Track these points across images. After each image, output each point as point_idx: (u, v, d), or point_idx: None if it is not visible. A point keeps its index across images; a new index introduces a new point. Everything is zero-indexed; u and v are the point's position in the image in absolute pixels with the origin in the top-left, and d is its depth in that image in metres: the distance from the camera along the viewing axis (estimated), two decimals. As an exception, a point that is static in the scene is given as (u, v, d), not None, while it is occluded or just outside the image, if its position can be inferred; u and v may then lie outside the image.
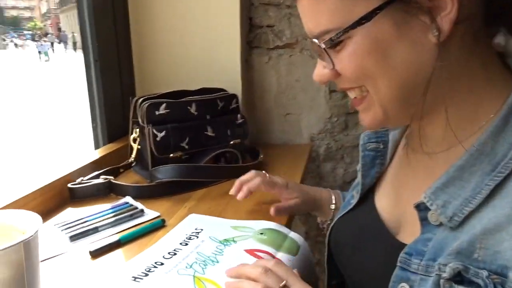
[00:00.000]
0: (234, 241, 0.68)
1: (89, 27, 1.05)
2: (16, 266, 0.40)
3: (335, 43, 0.46)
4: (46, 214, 0.81)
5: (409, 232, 0.50)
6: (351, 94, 0.52)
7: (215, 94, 1.05)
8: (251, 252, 0.64)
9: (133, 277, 0.57)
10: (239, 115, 1.07)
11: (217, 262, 0.62)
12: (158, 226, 0.76)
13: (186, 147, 0.97)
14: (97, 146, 1.12)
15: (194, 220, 0.77)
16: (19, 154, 5.46)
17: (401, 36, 0.44)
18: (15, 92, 10.64)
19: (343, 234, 0.62)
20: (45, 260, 0.65)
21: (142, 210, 0.81)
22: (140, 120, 0.97)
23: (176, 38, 1.21)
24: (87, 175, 0.92)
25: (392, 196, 0.57)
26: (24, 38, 45.60)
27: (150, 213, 0.81)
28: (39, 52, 23.18)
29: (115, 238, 0.70)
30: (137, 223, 0.77)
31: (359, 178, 0.63)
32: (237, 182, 0.79)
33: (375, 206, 0.58)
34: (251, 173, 0.80)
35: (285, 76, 1.31)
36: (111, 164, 1.00)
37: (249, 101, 1.30)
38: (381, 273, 0.48)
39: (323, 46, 0.47)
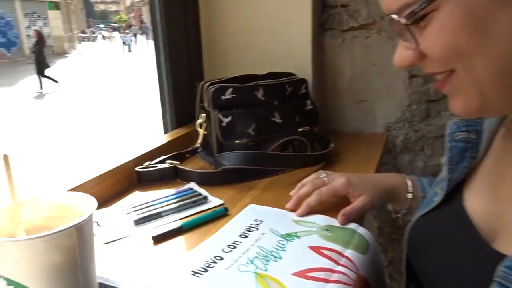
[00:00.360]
0: (297, 236, 0.63)
1: (159, 12, 1.05)
2: (68, 251, 0.39)
3: (419, 17, 0.39)
4: (115, 196, 0.82)
5: (508, 240, 0.41)
6: (440, 77, 0.44)
7: (283, 79, 1.00)
8: (316, 249, 0.59)
9: (192, 271, 0.55)
10: (308, 101, 1.01)
11: (280, 258, 0.57)
12: (221, 214, 0.73)
13: (252, 133, 0.93)
14: (166, 131, 1.13)
15: (254, 211, 0.73)
16: (104, 138, 5.88)
17: (502, 0, 0.35)
18: (99, 82, 11.48)
19: (425, 237, 0.54)
20: (109, 242, 0.65)
21: (205, 197, 0.79)
22: (206, 105, 0.95)
23: (245, 22, 1.17)
24: (154, 160, 0.92)
25: (486, 196, 0.48)
26: (111, 30, 49.01)
27: (214, 201, 0.78)
28: (123, 43, 24.82)
29: (178, 224, 0.69)
30: (200, 210, 0.75)
31: (444, 173, 0.55)
32: (295, 197, 0.73)
33: (463, 206, 0.50)
34: (308, 184, 0.73)
35: (360, 59, 1.22)
36: (178, 149, 0.99)
37: (319, 86, 1.23)
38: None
39: (404, 22, 0.40)
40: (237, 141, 0.92)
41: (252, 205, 0.76)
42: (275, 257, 0.58)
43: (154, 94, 1.16)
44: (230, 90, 0.92)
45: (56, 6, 23.04)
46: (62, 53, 22.30)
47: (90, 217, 0.41)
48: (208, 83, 0.95)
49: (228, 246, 0.61)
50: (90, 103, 8.59)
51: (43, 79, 10.45)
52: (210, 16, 1.19)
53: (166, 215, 0.74)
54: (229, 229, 0.67)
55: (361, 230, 0.65)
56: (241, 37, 1.18)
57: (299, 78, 1.03)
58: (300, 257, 0.57)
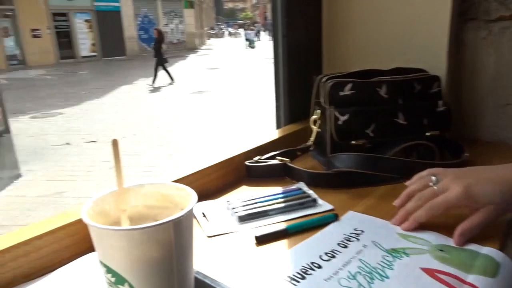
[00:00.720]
0: (405, 253, 0.55)
1: (280, 2, 1.01)
2: (164, 246, 0.37)
3: None
4: (223, 188, 0.81)
5: None
6: None
7: (411, 75, 0.89)
8: (430, 272, 0.50)
9: (289, 277, 0.50)
10: (440, 102, 0.88)
11: (387, 277, 0.50)
12: (330, 220, 0.67)
13: (371, 134, 0.84)
14: (278, 126, 1.10)
15: (353, 219, 0.66)
16: (222, 131, 6.20)
17: None
18: (224, 75, 12.14)
19: None
20: (213, 236, 0.64)
21: (314, 200, 0.73)
22: (322, 100, 0.89)
23: (371, 12, 1.07)
24: (265, 155, 0.90)
25: None
26: (237, 27, 51.67)
27: (323, 205, 0.72)
28: (247, 39, 25.93)
29: (282, 226, 0.65)
30: (307, 213, 0.70)
31: None
32: (401, 212, 0.63)
33: None
34: (415, 198, 0.63)
35: (509, 55, 1.03)
36: (289, 146, 0.95)
37: (455, 85, 1.07)
38: None
39: None
40: (353, 142, 0.84)
41: (352, 212, 0.69)
42: (381, 275, 0.50)
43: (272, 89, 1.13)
44: (350, 85, 0.85)
45: (191, 5, 25.04)
46: (193, 48, 24.21)
47: (189, 212, 0.39)
48: (326, 77, 0.89)
49: (326, 254, 0.56)
50: (216, 96, 9.14)
51: (170, 72, 11.18)
52: (333, 5, 1.12)
53: (272, 214, 0.70)
54: (327, 235, 0.62)
55: (486, 250, 0.54)
56: (366, 28, 1.09)
57: (431, 75, 0.90)
58: (411, 279, 0.49)
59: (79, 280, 0.50)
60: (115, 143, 0.39)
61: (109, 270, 0.37)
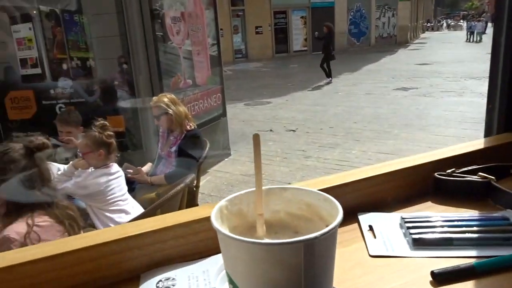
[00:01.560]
0: None
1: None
2: (291, 269, 0.30)
3: None
4: (401, 201, 0.69)
5: None
6: None
7: None
8: None
9: None
10: None
11: None
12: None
13: None
14: (488, 134, 0.88)
15: None
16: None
17: None
18: (435, 73, 11.08)
19: None
20: (376, 257, 0.54)
21: (526, 237, 0.54)
22: (557, 105, 0.65)
23: None
24: (462, 167, 0.72)
25: None
26: (458, 18, 46.41)
27: (540, 246, 0.53)
28: (470, 32, 22.95)
29: (469, 262, 0.50)
30: (510, 253, 0.52)
31: None
32: None
33: None
34: None
35: None
36: (500, 160, 0.75)
37: None
38: None
39: None
40: None
41: None
42: None
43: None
44: None
45: (408, -3, 23.64)
46: (404, 42, 22.89)
47: (329, 233, 0.31)
48: None
49: None
50: (422, 94, 8.46)
51: (332, 70, 10.42)
52: None
53: (458, 245, 0.55)
54: None
55: None
56: None
57: None
58: None
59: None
60: (256, 138, 0.35)
61: (230, 281, 0.33)
